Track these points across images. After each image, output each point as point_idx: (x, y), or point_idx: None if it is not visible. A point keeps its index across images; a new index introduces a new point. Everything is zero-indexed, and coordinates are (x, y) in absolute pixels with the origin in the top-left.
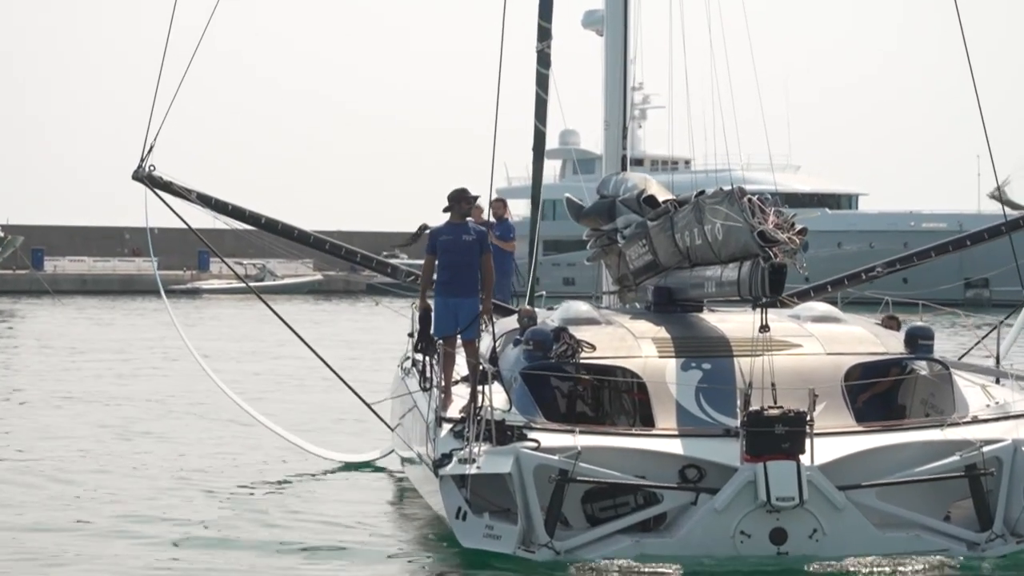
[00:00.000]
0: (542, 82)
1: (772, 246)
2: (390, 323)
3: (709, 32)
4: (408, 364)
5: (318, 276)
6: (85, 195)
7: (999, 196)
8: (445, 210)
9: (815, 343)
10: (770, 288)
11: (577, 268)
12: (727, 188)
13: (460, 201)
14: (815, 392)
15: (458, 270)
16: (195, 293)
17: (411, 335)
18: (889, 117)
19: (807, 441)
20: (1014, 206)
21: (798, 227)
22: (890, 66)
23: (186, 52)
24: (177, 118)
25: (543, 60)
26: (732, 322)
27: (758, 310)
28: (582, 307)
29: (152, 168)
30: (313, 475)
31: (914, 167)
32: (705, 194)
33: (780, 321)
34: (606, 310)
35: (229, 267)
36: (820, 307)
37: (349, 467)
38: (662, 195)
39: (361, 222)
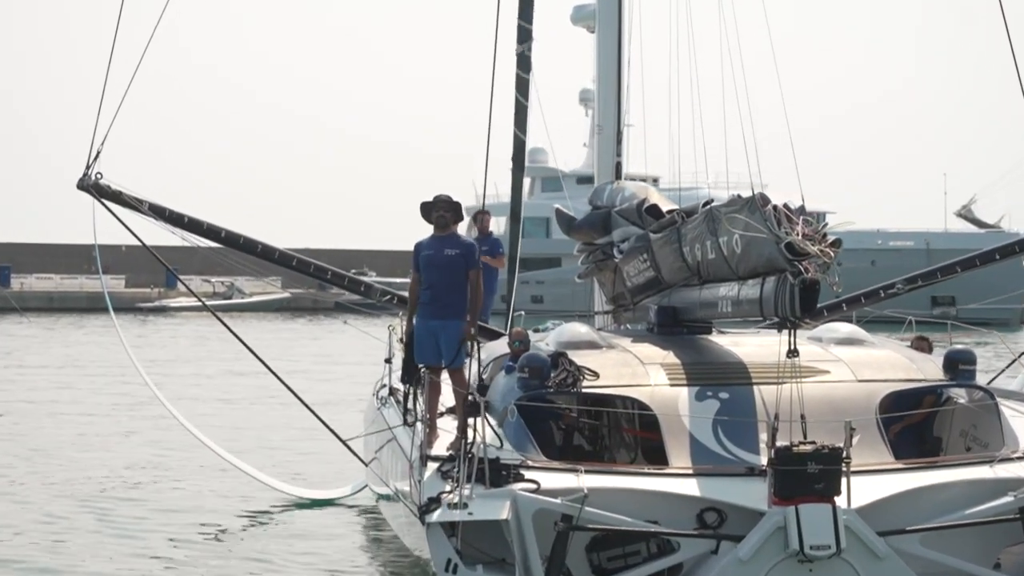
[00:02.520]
0: (522, 87)
1: (802, 260)
2: (359, 342)
3: (692, 51)
4: (384, 393)
5: (286, 294)
6: (52, 212)
7: (966, 214)
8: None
9: (844, 369)
10: (801, 307)
11: (545, 286)
12: (745, 195)
13: (431, 210)
14: (853, 425)
15: (441, 289)
16: (162, 311)
17: (388, 361)
18: (856, 135)
19: (843, 481)
20: (981, 224)
21: (830, 238)
22: (856, 83)
23: (154, 57)
24: (149, 133)
25: (523, 64)
26: (748, 345)
27: (784, 332)
28: (580, 329)
29: (99, 176)
30: (279, 513)
31: (881, 185)
32: (712, 202)
33: (801, 344)
34: (606, 333)
35: (184, 284)
36: (843, 328)
37: (316, 504)
38: (665, 205)
39: (331, 240)
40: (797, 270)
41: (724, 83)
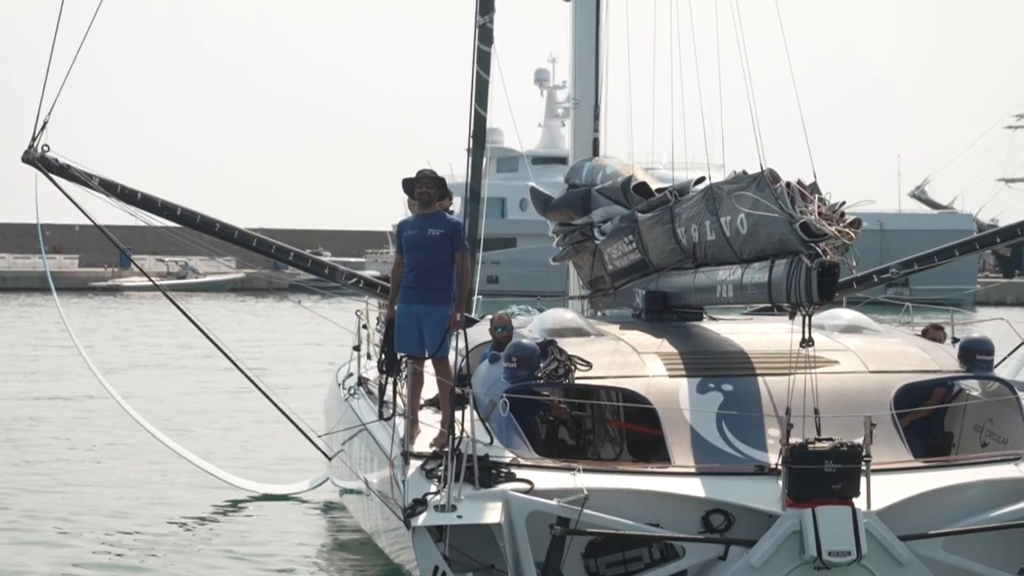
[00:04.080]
0: (483, 61)
1: (819, 241)
2: (316, 325)
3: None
4: (352, 382)
5: (240, 274)
6: (5, 191)
7: (920, 195)
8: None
9: (853, 359)
10: (819, 292)
11: (501, 267)
12: (752, 172)
13: (413, 187)
14: (872, 421)
15: (425, 272)
16: (116, 290)
17: (356, 348)
18: (811, 115)
19: (862, 481)
20: (934, 205)
21: (849, 217)
22: (811, 64)
23: (104, 23)
24: (99, 106)
25: (485, 36)
26: (749, 333)
27: (795, 320)
28: (566, 315)
29: (46, 149)
30: (232, 510)
31: (835, 166)
32: (704, 180)
33: (794, 332)
34: (594, 319)
35: (136, 265)
36: (846, 314)
37: (271, 499)
38: (654, 183)
39: (282, 219)
40: (814, 252)
41: (699, 68)
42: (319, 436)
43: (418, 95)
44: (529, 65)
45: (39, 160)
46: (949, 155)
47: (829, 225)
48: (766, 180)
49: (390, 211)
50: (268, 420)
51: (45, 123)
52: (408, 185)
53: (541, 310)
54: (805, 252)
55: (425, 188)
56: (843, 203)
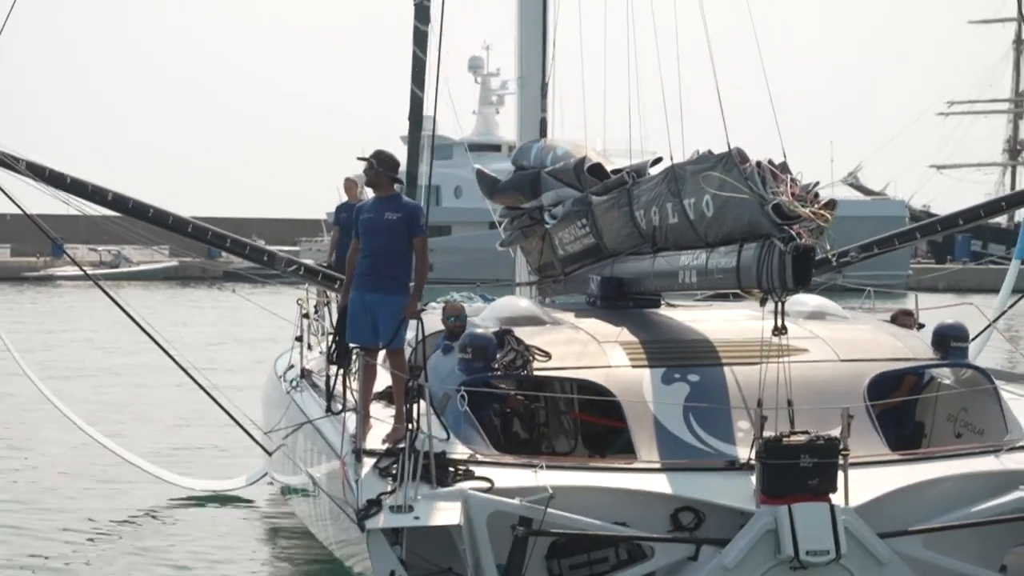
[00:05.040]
0: (420, 41)
1: (792, 224)
2: (252, 314)
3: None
4: (294, 374)
5: (174, 262)
6: None
7: (853, 182)
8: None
9: (823, 347)
10: (794, 278)
11: (435, 255)
12: (718, 152)
13: (371, 166)
14: (850, 412)
15: (380, 258)
16: (48, 280)
17: (299, 338)
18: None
19: (839, 476)
20: (867, 191)
21: (823, 198)
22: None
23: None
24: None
25: (421, 15)
26: (712, 320)
27: (764, 307)
28: (520, 303)
29: None
30: (166, 508)
31: (768, 152)
32: (663, 161)
33: (765, 319)
34: (548, 307)
35: (67, 255)
36: (812, 300)
37: (203, 498)
38: (609, 165)
39: (213, 207)
40: (788, 235)
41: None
42: (261, 431)
43: (355, 77)
44: (463, 53)
45: None
46: (881, 141)
47: (803, 207)
48: (734, 160)
49: (324, 199)
50: (203, 413)
51: None
52: (367, 161)
53: (484, 297)
54: (778, 235)
55: (368, 168)
56: (816, 183)
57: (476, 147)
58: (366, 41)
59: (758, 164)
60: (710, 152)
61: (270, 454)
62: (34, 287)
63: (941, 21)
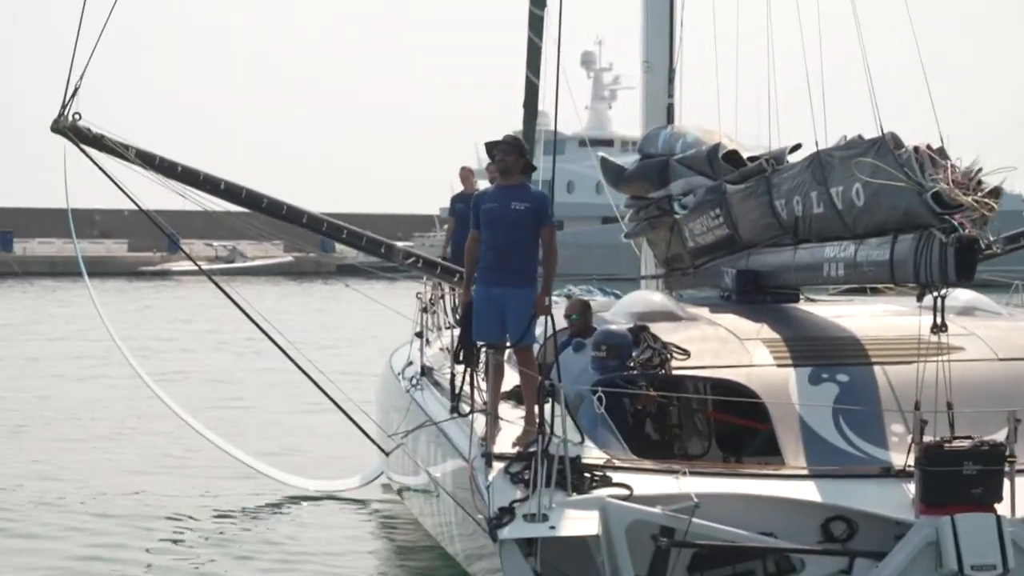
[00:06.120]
0: (535, 25)
1: (954, 213)
2: (365, 309)
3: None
4: (413, 371)
5: (289, 258)
6: (55, 177)
7: None
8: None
9: (980, 345)
10: (958, 271)
11: None
12: (871, 137)
13: (493, 152)
14: (1016, 417)
15: (507, 250)
16: (165, 275)
17: (419, 335)
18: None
19: (1005, 485)
20: None
21: (986, 186)
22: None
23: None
24: (132, 76)
25: None
26: (860, 316)
27: (916, 303)
28: (654, 297)
29: (77, 117)
30: (280, 508)
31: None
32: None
33: (920, 315)
34: (682, 302)
35: (182, 250)
36: (963, 294)
37: (318, 499)
38: (745, 151)
39: (333, 205)
40: (949, 225)
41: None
42: (378, 429)
43: (461, 78)
44: (576, 48)
45: (70, 130)
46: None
47: (965, 195)
48: (888, 145)
49: (435, 194)
50: (317, 409)
51: (76, 88)
52: (489, 150)
53: (603, 290)
54: (938, 226)
55: (502, 155)
56: (979, 169)
57: (589, 142)
58: (480, 41)
59: (915, 149)
60: (860, 137)
61: (387, 454)
62: (152, 282)
63: None
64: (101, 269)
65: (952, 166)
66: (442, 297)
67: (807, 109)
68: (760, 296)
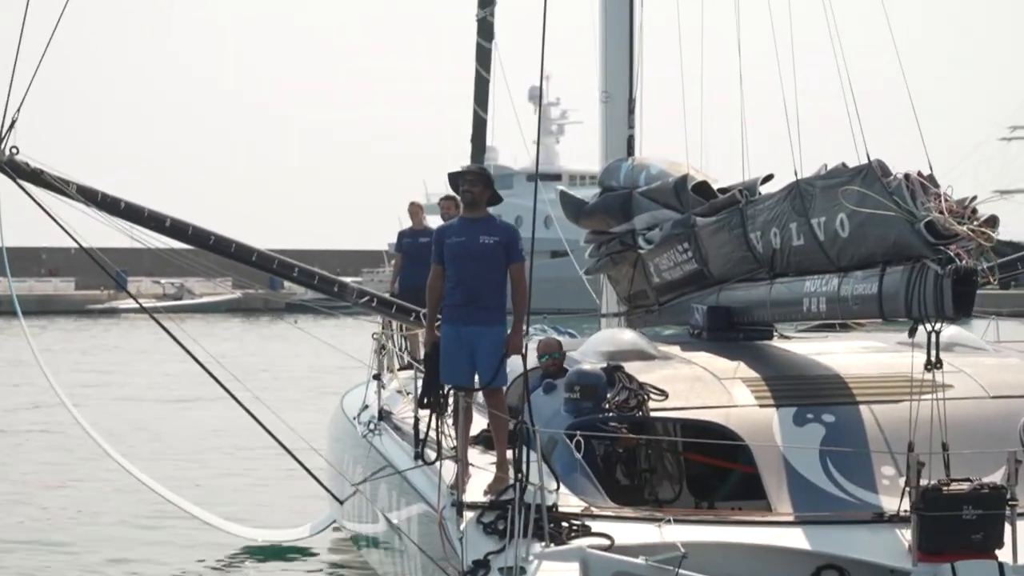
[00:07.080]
0: (483, 58)
1: (949, 243)
2: (313, 346)
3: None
4: (369, 415)
5: (237, 294)
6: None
7: None
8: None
9: (969, 383)
10: (954, 305)
11: None
12: (855, 165)
13: (457, 182)
14: (1018, 457)
15: (476, 287)
16: (113, 313)
17: (376, 376)
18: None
19: (1006, 529)
20: None
21: (982, 214)
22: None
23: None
24: (72, 110)
25: (484, 31)
26: (840, 353)
27: (903, 338)
28: (625, 335)
29: (14, 151)
30: (228, 562)
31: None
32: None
33: (894, 351)
34: (655, 340)
35: (126, 291)
36: (946, 330)
37: (265, 550)
38: (715, 182)
39: (280, 240)
40: (945, 257)
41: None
42: (331, 475)
43: (410, 111)
44: (523, 82)
45: (7, 164)
46: (946, 167)
47: (960, 223)
48: (875, 172)
49: (383, 230)
50: (264, 456)
51: (14, 121)
52: (453, 181)
53: (557, 329)
54: (932, 256)
55: (469, 186)
56: (974, 198)
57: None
58: (428, 74)
59: (906, 176)
60: (844, 165)
61: (341, 502)
62: (97, 321)
63: (1008, 44)
64: (49, 308)
65: (944, 194)
66: (391, 338)
67: (781, 138)
68: (732, 333)
